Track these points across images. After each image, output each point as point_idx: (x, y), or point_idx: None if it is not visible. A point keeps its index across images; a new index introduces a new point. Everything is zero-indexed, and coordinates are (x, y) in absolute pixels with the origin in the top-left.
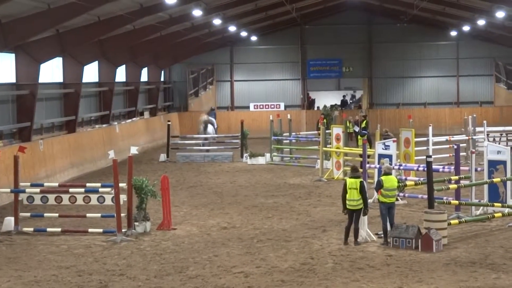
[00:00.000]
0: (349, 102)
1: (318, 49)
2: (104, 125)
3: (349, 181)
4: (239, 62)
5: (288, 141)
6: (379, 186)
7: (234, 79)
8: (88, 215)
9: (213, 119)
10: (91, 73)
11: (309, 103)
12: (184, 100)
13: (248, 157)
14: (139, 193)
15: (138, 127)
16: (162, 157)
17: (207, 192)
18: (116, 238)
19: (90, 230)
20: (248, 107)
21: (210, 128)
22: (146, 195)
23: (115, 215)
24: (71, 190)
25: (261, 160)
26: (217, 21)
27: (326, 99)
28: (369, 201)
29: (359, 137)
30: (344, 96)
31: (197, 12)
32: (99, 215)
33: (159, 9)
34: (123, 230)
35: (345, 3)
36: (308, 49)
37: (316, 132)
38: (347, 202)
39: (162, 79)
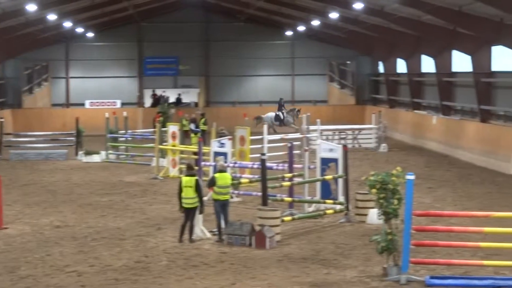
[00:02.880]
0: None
1: (155, 46)
2: None
3: (185, 179)
4: (74, 58)
5: (124, 139)
6: (213, 183)
7: (69, 76)
8: None
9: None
10: None
11: (155, 100)
12: (18, 96)
13: (84, 155)
14: None
15: None
16: None
17: (40, 190)
18: None
19: None
20: (83, 105)
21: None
22: None
23: None
24: None
25: (96, 158)
26: (52, 17)
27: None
28: (205, 199)
29: (192, 135)
30: (179, 95)
31: (31, 7)
32: None
33: None
34: None
35: (182, 1)
36: (145, 46)
37: (152, 129)
38: (182, 200)
39: None
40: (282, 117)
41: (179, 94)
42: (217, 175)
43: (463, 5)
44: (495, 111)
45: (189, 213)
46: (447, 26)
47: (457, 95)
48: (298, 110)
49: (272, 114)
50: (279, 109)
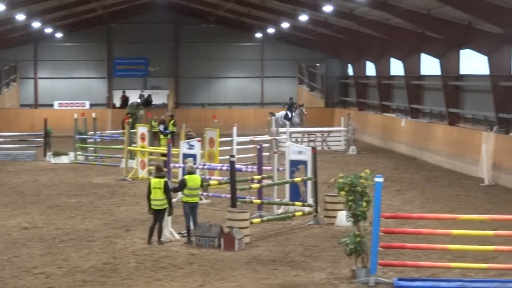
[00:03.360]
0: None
1: (125, 47)
2: None
3: (153, 180)
4: (43, 59)
5: (92, 140)
6: (183, 185)
7: (38, 76)
8: None
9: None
10: None
11: (124, 101)
12: None
13: (52, 156)
14: None
15: None
16: None
17: (8, 191)
18: None
19: None
20: (52, 105)
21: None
22: None
23: None
24: None
25: (65, 159)
26: (20, 17)
27: (136, 97)
28: (174, 200)
29: (161, 136)
30: (149, 96)
31: None
32: None
33: None
34: None
35: (152, 2)
36: (114, 47)
37: (121, 131)
38: (151, 202)
39: None
40: (290, 116)
41: (149, 96)
42: (186, 177)
43: (432, 9)
44: (463, 114)
45: (158, 215)
46: (415, 29)
47: (425, 98)
48: (301, 105)
49: (283, 113)
50: (289, 109)
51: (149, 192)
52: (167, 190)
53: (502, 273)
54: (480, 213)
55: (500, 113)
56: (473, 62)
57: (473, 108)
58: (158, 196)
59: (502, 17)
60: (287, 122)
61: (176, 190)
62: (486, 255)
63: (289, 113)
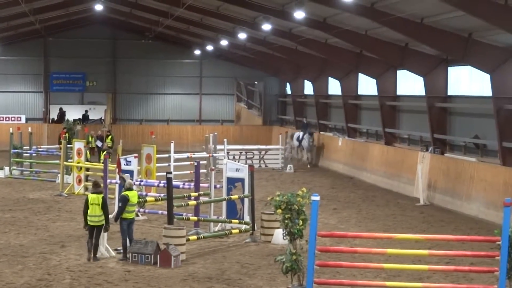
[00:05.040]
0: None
1: (62, 62)
2: None
3: (91, 196)
4: None
5: (28, 154)
6: (126, 201)
7: None
8: None
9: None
10: None
11: (60, 115)
12: None
13: None
14: None
15: None
16: None
17: None
18: None
19: None
20: None
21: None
22: None
23: None
24: None
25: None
26: None
27: (73, 112)
28: (110, 216)
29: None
30: (86, 111)
31: None
32: None
33: None
34: None
35: (90, 17)
36: (51, 61)
37: (58, 146)
38: (88, 218)
39: None
40: (300, 138)
41: (86, 111)
42: (127, 193)
43: (369, 29)
44: (400, 134)
45: (94, 231)
46: (353, 49)
47: (362, 118)
48: (311, 134)
49: (297, 134)
50: (303, 130)
51: (86, 208)
52: (104, 206)
53: None
54: (415, 233)
55: (435, 133)
56: (409, 83)
57: (409, 128)
58: (96, 212)
59: (438, 39)
60: (297, 143)
61: (120, 210)
62: (421, 274)
63: (300, 135)
